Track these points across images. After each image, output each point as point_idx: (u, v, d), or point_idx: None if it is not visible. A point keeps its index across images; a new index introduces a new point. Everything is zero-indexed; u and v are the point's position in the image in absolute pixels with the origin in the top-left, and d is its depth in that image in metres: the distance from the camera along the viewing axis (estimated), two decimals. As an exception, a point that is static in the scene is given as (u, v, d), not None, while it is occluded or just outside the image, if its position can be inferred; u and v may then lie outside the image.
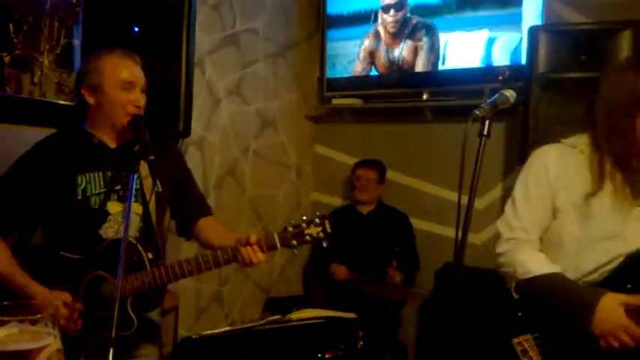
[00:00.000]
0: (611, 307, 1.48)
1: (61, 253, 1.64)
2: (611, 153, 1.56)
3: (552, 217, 1.64)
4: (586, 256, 1.58)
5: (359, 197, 3.36)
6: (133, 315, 1.62)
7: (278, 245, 1.62)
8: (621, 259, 1.55)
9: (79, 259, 1.63)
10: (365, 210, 3.37)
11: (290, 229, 1.61)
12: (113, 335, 1.27)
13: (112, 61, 1.67)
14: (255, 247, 1.59)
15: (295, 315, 1.34)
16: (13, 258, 1.61)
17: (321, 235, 1.60)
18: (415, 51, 3.32)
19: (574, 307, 1.51)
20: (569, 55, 2.53)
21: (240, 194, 3.46)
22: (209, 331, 1.18)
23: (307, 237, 1.60)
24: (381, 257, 3.14)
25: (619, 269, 1.55)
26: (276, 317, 1.32)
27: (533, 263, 1.59)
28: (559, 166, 1.64)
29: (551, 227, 1.65)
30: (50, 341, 0.58)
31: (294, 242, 1.61)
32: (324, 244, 1.61)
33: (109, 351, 1.24)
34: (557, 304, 1.54)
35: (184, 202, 1.88)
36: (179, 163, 1.91)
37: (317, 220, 1.61)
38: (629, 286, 1.53)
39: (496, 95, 1.55)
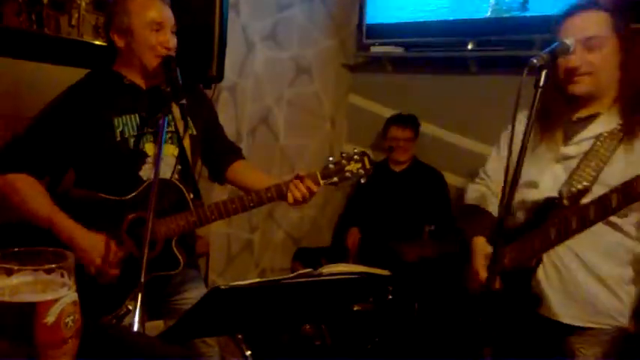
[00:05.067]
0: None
1: (100, 195, 1.63)
2: None
3: None
4: None
5: (397, 158, 3.24)
6: (178, 254, 1.64)
7: (321, 182, 1.65)
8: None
9: (120, 200, 1.62)
10: (398, 168, 3.27)
11: (331, 166, 1.65)
12: (142, 280, 1.27)
13: (139, 2, 1.63)
14: (308, 180, 1.62)
15: (327, 269, 1.30)
16: (52, 200, 1.60)
17: (361, 171, 1.65)
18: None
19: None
20: (633, 3, 2.31)
21: (272, 143, 3.40)
22: (238, 282, 1.15)
23: (347, 173, 1.64)
24: (414, 216, 3.07)
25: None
26: (307, 271, 1.27)
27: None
28: None
29: None
30: (64, 293, 0.54)
31: (336, 179, 1.65)
32: (362, 181, 1.66)
33: (138, 296, 1.23)
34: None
35: (216, 146, 1.87)
36: (208, 107, 1.90)
37: (356, 156, 1.65)
38: None
39: (555, 44, 1.42)
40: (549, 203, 1.54)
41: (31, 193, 1.59)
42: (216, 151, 1.86)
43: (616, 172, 1.47)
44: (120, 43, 1.64)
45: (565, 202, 1.51)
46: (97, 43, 2.43)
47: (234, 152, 1.91)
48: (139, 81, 1.68)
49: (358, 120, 3.77)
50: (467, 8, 3.15)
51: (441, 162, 3.28)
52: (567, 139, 1.57)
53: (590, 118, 1.56)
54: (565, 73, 1.54)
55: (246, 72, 3.15)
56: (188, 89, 1.63)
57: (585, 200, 1.49)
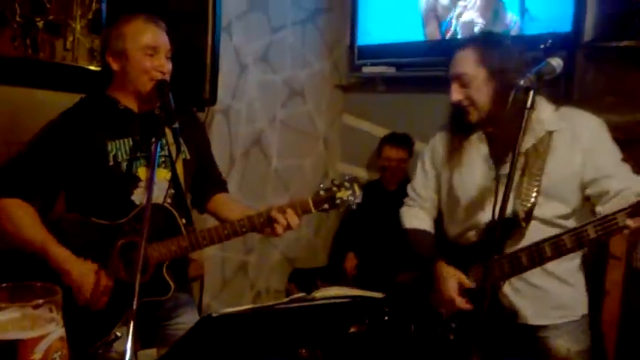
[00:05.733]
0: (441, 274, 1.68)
1: (92, 219, 1.62)
2: None
3: None
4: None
5: (390, 179, 3.25)
6: (169, 279, 1.62)
7: (312, 210, 1.66)
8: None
9: (112, 224, 1.62)
10: (392, 187, 3.28)
11: (322, 193, 1.66)
12: (135, 308, 1.25)
13: (135, 26, 1.64)
14: (290, 211, 1.63)
15: (320, 293, 1.29)
16: (44, 225, 1.59)
17: (351, 198, 1.67)
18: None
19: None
20: (621, 21, 2.36)
21: (266, 165, 3.41)
22: (230, 309, 1.14)
23: (338, 200, 1.66)
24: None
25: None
26: (300, 295, 1.26)
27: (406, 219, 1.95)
28: None
29: None
30: (52, 329, 0.53)
31: (327, 206, 1.67)
32: (353, 207, 1.69)
33: (130, 324, 1.22)
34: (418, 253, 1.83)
35: (203, 175, 1.86)
36: (201, 132, 1.90)
37: (346, 183, 1.67)
38: None
39: (542, 64, 1.44)
40: (506, 224, 1.58)
41: (25, 219, 1.58)
42: (202, 179, 1.85)
43: (554, 180, 1.59)
44: (115, 66, 1.65)
45: (522, 223, 1.60)
46: (91, 68, 2.45)
47: (219, 184, 1.91)
48: (133, 105, 1.68)
49: (352, 140, 3.79)
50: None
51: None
52: (498, 159, 1.64)
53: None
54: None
55: (239, 94, 3.17)
56: (182, 111, 1.64)
57: (536, 212, 1.60)
